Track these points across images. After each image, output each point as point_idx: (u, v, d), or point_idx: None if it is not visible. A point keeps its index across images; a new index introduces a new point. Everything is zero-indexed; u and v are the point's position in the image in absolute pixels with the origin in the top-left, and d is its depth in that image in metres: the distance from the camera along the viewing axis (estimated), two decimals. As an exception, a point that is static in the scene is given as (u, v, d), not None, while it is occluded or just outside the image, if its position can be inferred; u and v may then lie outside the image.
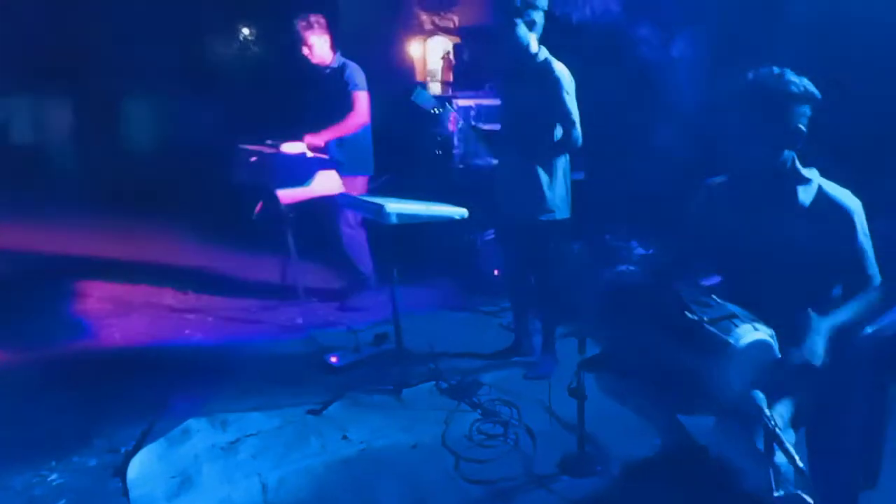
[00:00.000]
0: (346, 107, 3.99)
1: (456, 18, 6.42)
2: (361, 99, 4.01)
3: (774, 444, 1.55)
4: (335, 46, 4.15)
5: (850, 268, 1.82)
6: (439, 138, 4.93)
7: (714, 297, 1.76)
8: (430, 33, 6.41)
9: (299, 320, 4.06)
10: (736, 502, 2.11)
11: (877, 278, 1.81)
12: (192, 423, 2.81)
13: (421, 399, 3.00)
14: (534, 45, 3.00)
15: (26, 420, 2.89)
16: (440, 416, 2.83)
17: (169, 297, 4.56)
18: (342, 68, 4.05)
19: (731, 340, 1.62)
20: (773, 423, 1.55)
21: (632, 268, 2.05)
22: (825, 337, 1.74)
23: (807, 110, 1.80)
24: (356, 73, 4.03)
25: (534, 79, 2.97)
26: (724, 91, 1.92)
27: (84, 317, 4.18)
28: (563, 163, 3.08)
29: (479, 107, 4.78)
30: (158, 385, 3.20)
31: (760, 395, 1.61)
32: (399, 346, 3.02)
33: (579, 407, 2.34)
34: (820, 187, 1.86)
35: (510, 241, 3.28)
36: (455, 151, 4.75)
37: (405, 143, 5.01)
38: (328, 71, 4.10)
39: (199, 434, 2.72)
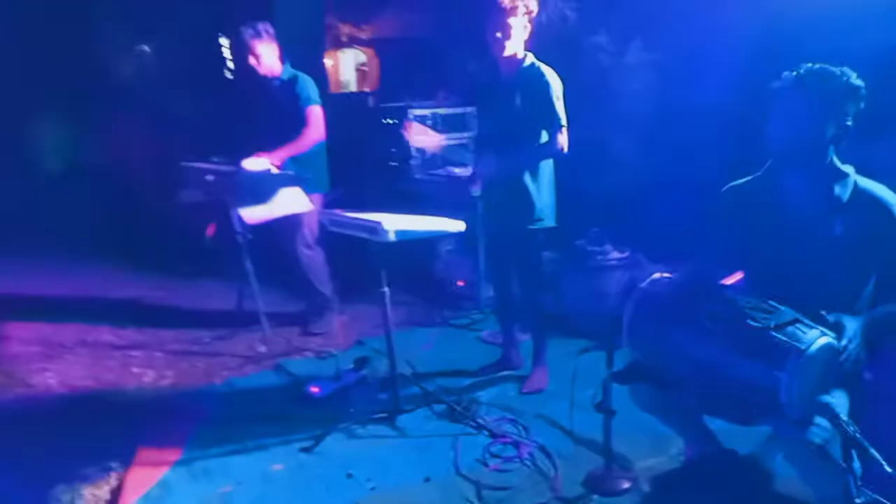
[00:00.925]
0: (299, 122, 3.73)
1: (370, 30, 6.30)
2: (316, 113, 3.76)
3: (853, 450, 1.50)
4: (284, 57, 3.89)
5: (890, 261, 1.82)
6: (394, 149, 4.75)
7: (771, 302, 1.71)
8: (345, 45, 6.25)
9: (262, 348, 3.76)
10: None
11: None
12: (168, 476, 2.49)
13: (418, 425, 2.81)
14: (520, 51, 2.91)
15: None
16: (445, 442, 2.66)
17: (106, 333, 4.11)
18: (293, 80, 3.80)
19: (803, 346, 1.57)
20: (852, 428, 1.50)
21: (666, 275, 1.96)
22: (863, 333, 1.72)
23: (854, 107, 1.79)
24: (309, 86, 3.78)
25: (521, 84, 2.87)
26: (769, 86, 1.87)
27: (8, 363, 3.68)
28: (549, 169, 3.00)
29: (435, 116, 4.64)
30: (115, 434, 2.84)
31: (833, 401, 1.56)
32: (393, 369, 2.82)
33: (605, 422, 2.24)
34: (856, 182, 1.85)
35: (497, 252, 3.15)
36: (412, 163, 4.58)
37: (353, 156, 4.80)
38: (277, 83, 3.84)
39: (181, 488, 2.42)
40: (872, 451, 1.47)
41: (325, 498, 2.32)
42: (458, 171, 4.37)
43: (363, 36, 6.29)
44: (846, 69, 1.80)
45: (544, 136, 2.90)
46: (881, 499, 1.54)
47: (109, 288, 4.99)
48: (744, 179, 2.08)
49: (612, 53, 4.43)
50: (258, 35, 3.68)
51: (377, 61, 6.32)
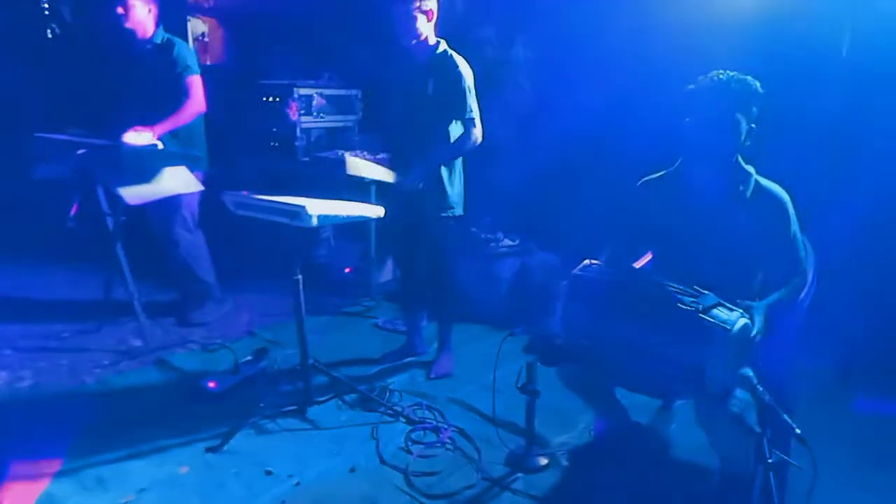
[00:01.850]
0: (176, 91, 3.42)
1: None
2: (197, 84, 3.47)
3: (767, 416, 1.72)
4: (158, 20, 3.53)
5: (782, 253, 2.09)
6: (275, 129, 4.51)
7: (695, 287, 1.89)
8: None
9: (138, 342, 3.43)
10: (676, 471, 2.33)
11: (802, 263, 2.11)
12: (52, 488, 2.20)
13: (330, 416, 2.74)
14: (431, 38, 2.90)
15: None
16: (362, 431, 2.62)
17: (-67, 330, 3.51)
18: (168, 45, 3.46)
19: (728, 327, 1.76)
20: (767, 397, 1.71)
21: (595, 263, 2.09)
22: (764, 316, 1.97)
23: (758, 111, 2.01)
24: (188, 54, 3.47)
25: (432, 73, 2.87)
26: (684, 90, 2.05)
27: None
28: (460, 159, 3.03)
29: (320, 95, 4.48)
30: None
31: (751, 374, 1.77)
32: (304, 359, 2.71)
33: (530, 403, 2.35)
34: (757, 181, 2.09)
35: (405, 239, 3.14)
36: (297, 143, 4.39)
37: (227, 134, 4.50)
38: (149, 46, 3.48)
39: (72, 501, 2.15)
40: (785, 416, 1.69)
41: (246, 498, 2.19)
42: (346, 154, 4.26)
43: (205, 4, 5.83)
44: (752, 77, 2.03)
45: (454, 126, 2.93)
46: (787, 458, 1.77)
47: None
48: (656, 174, 2.26)
49: (497, 47, 4.57)
50: None
51: (220, 32, 5.91)
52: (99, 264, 3.51)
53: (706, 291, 1.87)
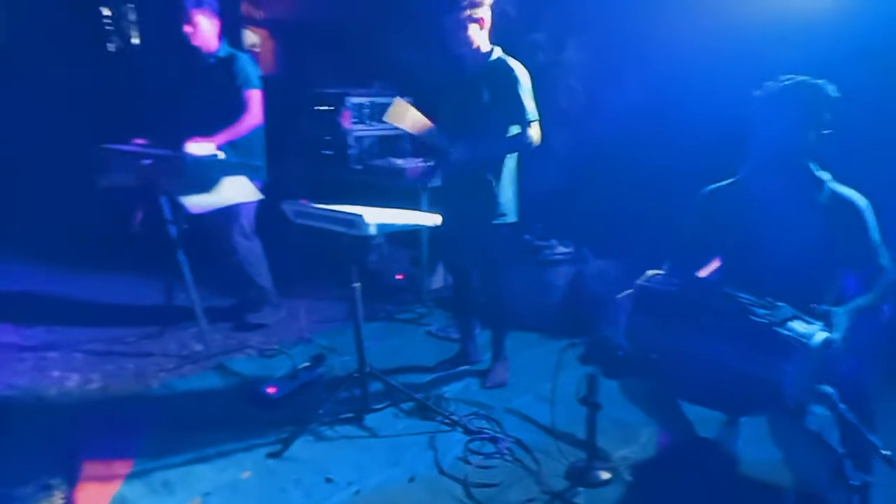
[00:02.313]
0: (236, 104, 3.51)
1: (262, 12, 6.04)
2: (256, 98, 3.55)
3: (850, 436, 1.64)
4: (221, 34, 3.63)
5: (861, 261, 2.00)
6: (328, 137, 4.58)
7: (769, 299, 1.82)
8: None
9: (199, 347, 3.52)
10: (745, 489, 2.25)
11: (886, 270, 2.01)
12: (124, 491, 2.27)
13: (387, 424, 2.75)
14: (484, 45, 2.89)
15: None
16: (420, 440, 2.62)
17: (10, 334, 3.68)
18: (230, 59, 3.56)
19: (806, 340, 1.68)
20: (850, 416, 1.64)
21: (658, 273, 2.04)
22: (845, 321, 1.87)
23: (831, 116, 1.93)
24: (250, 68, 3.55)
25: (486, 81, 2.86)
26: (752, 95, 1.99)
27: None
28: (512, 164, 3.01)
29: (372, 104, 4.52)
30: (47, 446, 2.56)
31: (832, 391, 1.69)
32: (362, 367, 2.73)
33: (590, 416, 2.30)
34: (832, 188, 2.01)
35: (457, 247, 3.13)
36: (350, 151, 4.44)
37: (280, 143, 4.58)
38: (213, 60, 3.58)
39: (143, 503, 2.20)
40: (871, 436, 1.61)
41: (307, 505, 2.21)
42: (399, 161, 4.29)
43: (256, 16, 5.98)
44: (825, 81, 1.95)
45: (512, 131, 2.91)
46: (871, 480, 1.69)
47: (5, 282, 4.46)
48: (723, 182, 2.19)
49: (548, 51, 4.53)
50: (199, 4, 3.41)
51: (272, 44, 6.05)
52: (162, 270, 3.61)
53: (780, 304, 1.80)
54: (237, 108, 3.51)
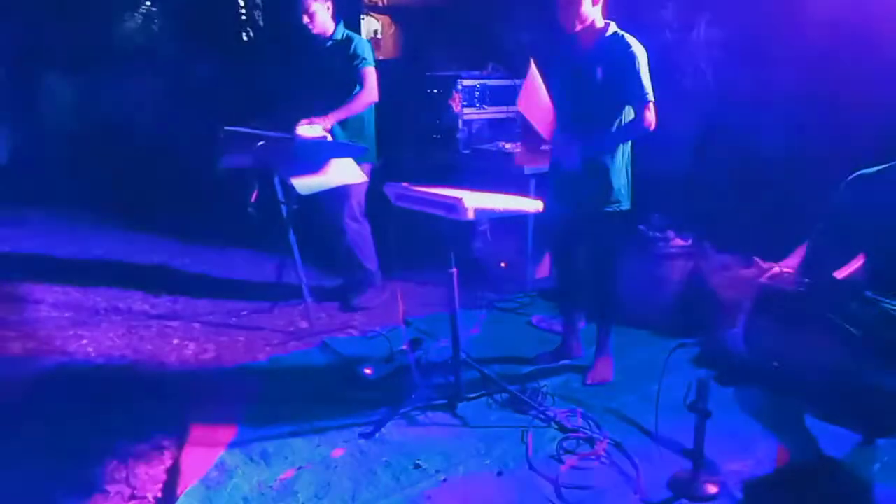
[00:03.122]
0: (352, 84, 3.59)
1: None
2: (371, 74, 3.61)
3: None
4: (336, 17, 3.71)
5: None
6: (438, 121, 4.57)
7: (918, 304, 1.57)
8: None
9: (304, 324, 3.64)
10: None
11: None
12: (225, 458, 2.38)
13: (480, 414, 2.70)
14: (599, 21, 2.73)
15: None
16: (512, 434, 2.55)
17: (139, 301, 4.01)
18: (347, 41, 3.63)
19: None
20: None
21: (788, 271, 1.82)
22: None
23: None
24: (365, 47, 3.62)
25: (601, 59, 2.70)
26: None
27: (41, 329, 3.56)
28: (627, 148, 2.84)
29: (483, 87, 4.45)
30: (162, 409, 2.74)
31: None
32: (457, 355, 2.70)
33: (699, 423, 2.12)
34: None
35: (567, 235, 3.00)
36: (459, 136, 4.41)
37: (395, 127, 4.62)
38: (329, 44, 3.67)
39: (240, 471, 2.30)
40: None
41: (394, 488, 2.21)
42: (507, 145, 4.20)
43: (379, 2, 6.06)
44: None
45: (628, 112, 2.74)
46: None
47: (138, 254, 4.89)
48: (873, 168, 1.93)
49: (676, 30, 4.23)
50: None
51: (394, 29, 6.12)
52: (275, 249, 3.77)
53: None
54: (353, 87, 3.59)
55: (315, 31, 3.60)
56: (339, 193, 3.61)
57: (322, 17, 3.58)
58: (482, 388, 2.82)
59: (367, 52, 3.60)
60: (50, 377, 3.04)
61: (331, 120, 3.41)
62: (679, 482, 2.19)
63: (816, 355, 1.66)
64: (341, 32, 3.66)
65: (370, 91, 3.58)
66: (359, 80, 3.57)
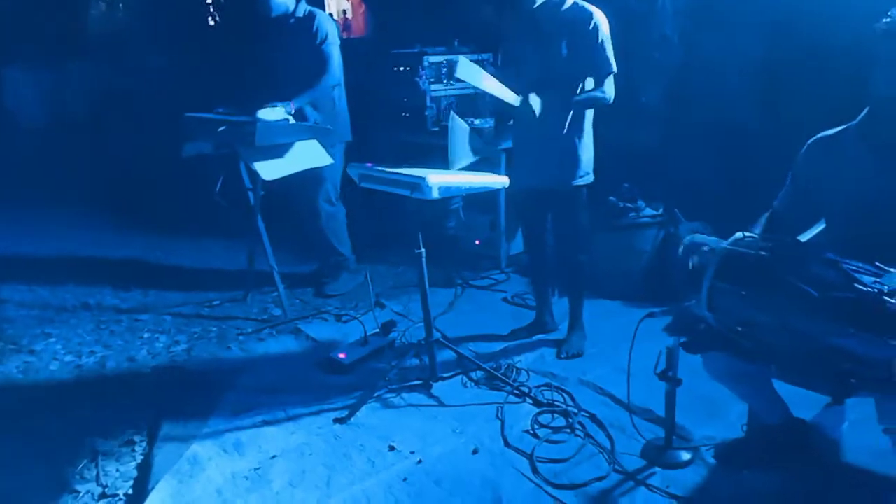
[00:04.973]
0: (317, 64, 3.49)
1: None
2: (333, 55, 3.51)
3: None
4: None
5: None
6: (405, 99, 4.50)
7: (878, 264, 1.57)
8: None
9: (278, 311, 3.60)
10: (847, 478, 2.01)
11: None
12: (196, 449, 2.35)
13: (455, 393, 2.69)
14: (559, -12, 2.68)
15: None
16: (487, 411, 2.54)
17: (108, 296, 3.93)
18: (310, 17, 3.52)
19: (924, 313, 1.43)
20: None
21: (749, 235, 1.81)
22: None
23: None
24: (329, 26, 3.52)
25: (564, 32, 2.66)
26: (874, 28, 1.70)
27: (8, 329, 3.48)
28: (590, 121, 2.81)
29: (450, 63, 4.38)
30: (133, 404, 2.71)
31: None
32: (429, 335, 2.68)
33: (669, 392, 2.12)
34: None
35: (534, 210, 2.98)
36: (427, 113, 4.35)
37: (364, 107, 4.54)
38: (292, 21, 3.56)
39: (213, 463, 2.28)
40: None
41: (369, 472, 2.20)
42: (476, 122, 4.15)
43: None
44: None
45: (589, 84, 2.71)
46: None
47: (106, 247, 4.79)
48: (835, 130, 1.92)
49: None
50: None
51: (363, 8, 6.02)
52: (245, 237, 3.70)
53: (892, 269, 1.54)
54: (318, 67, 3.49)
55: (275, 10, 3.48)
56: (314, 177, 3.55)
57: None
58: (457, 366, 2.81)
59: (330, 29, 3.51)
60: (17, 376, 2.98)
61: (294, 104, 3.33)
62: (652, 450, 2.21)
63: (779, 318, 1.65)
64: (303, 9, 3.55)
65: (331, 72, 3.49)
66: (322, 59, 3.47)
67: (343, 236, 3.81)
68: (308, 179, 3.50)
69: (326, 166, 3.45)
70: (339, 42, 3.54)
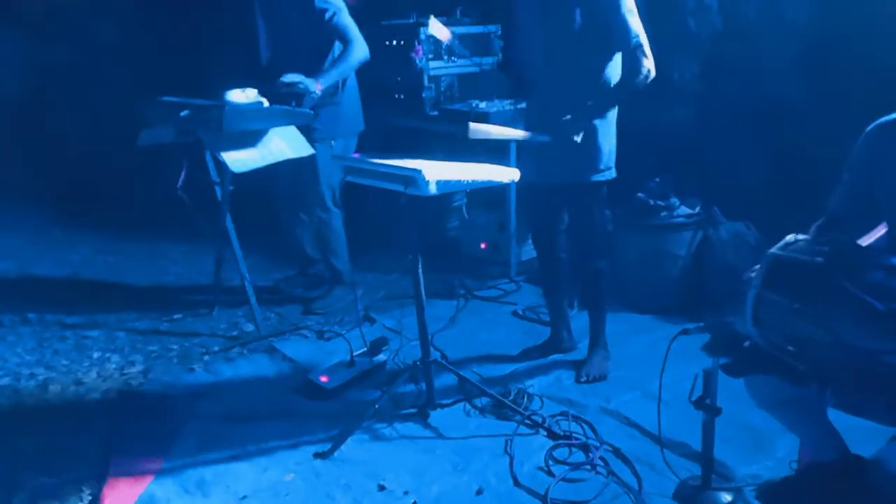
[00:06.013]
0: (325, 39, 3.50)
1: None
2: (353, 25, 3.49)
3: None
4: None
5: None
6: (399, 78, 4.50)
7: (953, 274, 1.56)
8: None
9: (250, 326, 3.60)
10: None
11: None
12: (154, 489, 2.35)
13: (457, 423, 2.69)
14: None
15: None
16: (494, 444, 2.54)
17: (52, 309, 3.91)
18: None
19: None
20: None
21: (803, 238, 1.81)
22: None
23: None
24: None
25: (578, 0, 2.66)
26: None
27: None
28: (614, 108, 2.81)
29: (452, 35, 4.38)
30: (80, 436, 2.69)
31: None
32: (426, 355, 2.67)
33: (707, 422, 2.12)
34: None
35: (547, 209, 2.98)
36: (425, 94, 4.35)
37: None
38: None
39: (172, 505, 2.27)
40: None
41: (354, 516, 2.19)
42: (482, 105, 4.15)
43: None
44: None
45: (613, 60, 2.71)
46: None
47: (50, 251, 4.78)
48: (894, 115, 1.91)
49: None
50: None
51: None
52: (213, 240, 3.70)
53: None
54: (326, 41, 3.51)
55: None
56: (307, 175, 3.57)
57: None
58: (458, 392, 2.82)
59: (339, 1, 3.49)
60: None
61: (321, 81, 3.32)
62: (686, 491, 2.20)
63: (836, 335, 1.65)
64: None
65: (360, 45, 3.47)
66: (338, 35, 3.47)
67: (338, 247, 3.78)
68: (301, 179, 3.53)
69: (323, 164, 3.46)
70: (344, 7, 3.51)
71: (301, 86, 3.25)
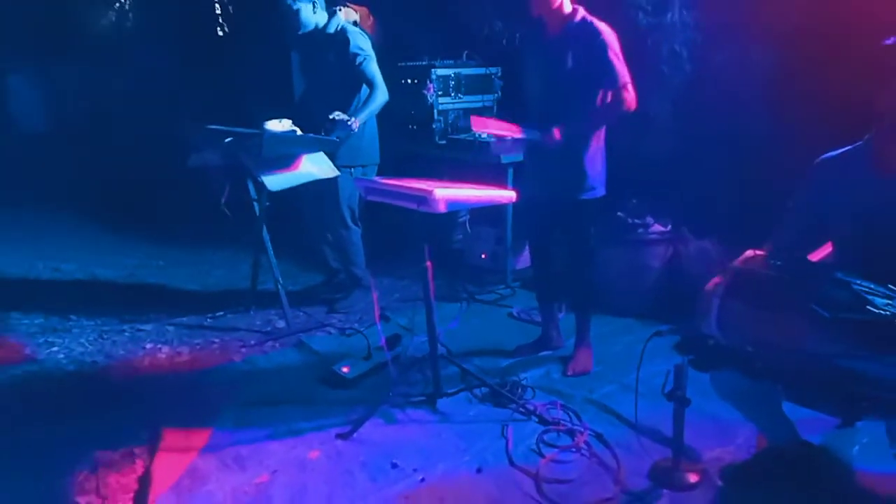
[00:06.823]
0: (354, 80, 3.52)
1: None
2: (378, 72, 3.51)
3: None
4: (326, 9, 3.63)
5: None
6: (413, 112, 4.53)
7: (890, 286, 1.57)
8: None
9: (281, 324, 3.61)
10: (853, 498, 2.00)
11: None
12: (198, 463, 2.35)
13: (460, 409, 2.69)
14: (566, 6, 2.71)
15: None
16: (492, 428, 2.53)
17: (111, 305, 3.93)
18: (342, 34, 3.53)
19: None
20: None
21: (759, 254, 1.82)
22: None
23: None
24: (362, 41, 3.52)
25: (570, 45, 2.69)
26: (882, 45, 1.71)
27: (11, 337, 3.50)
28: (602, 134, 2.83)
29: (458, 76, 4.42)
30: (134, 416, 2.70)
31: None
32: (434, 349, 2.68)
33: (678, 412, 2.12)
34: None
35: (541, 224, 2.99)
36: (434, 126, 4.37)
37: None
38: (323, 38, 3.58)
39: (214, 476, 2.27)
40: None
41: (370, 489, 2.19)
42: (484, 135, 4.17)
43: None
44: None
45: (604, 96, 2.73)
46: None
47: (110, 256, 4.81)
48: (839, 151, 1.92)
49: (650, 13, 4.22)
50: None
51: (372, 20, 6.07)
52: (251, 248, 3.72)
53: (901, 290, 1.54)
54: (352, 84, 3.53)
55: (304, 27, 3.51)
56: (330, 198, 3.59)
57: (307, 14, 3.50)
58: (461, 382, 2.81)
59: (365, 45, 3.52)
60: (19, 385, 2.99)
61: (357, 118, 3.33)
62: (659, 471, 2.20)
63: (789, 339, 1.66)
64: (336, 24, 3.57)
65: (383, 91, 3.49)
66: (365, 80, 3.48)
67: (356, 257, 3.78)
68: (324, 201, 3.56)
69: (344, 188, 3.49)
70: (374, 55, 3.53)
71: (345, 121, 3.27)
